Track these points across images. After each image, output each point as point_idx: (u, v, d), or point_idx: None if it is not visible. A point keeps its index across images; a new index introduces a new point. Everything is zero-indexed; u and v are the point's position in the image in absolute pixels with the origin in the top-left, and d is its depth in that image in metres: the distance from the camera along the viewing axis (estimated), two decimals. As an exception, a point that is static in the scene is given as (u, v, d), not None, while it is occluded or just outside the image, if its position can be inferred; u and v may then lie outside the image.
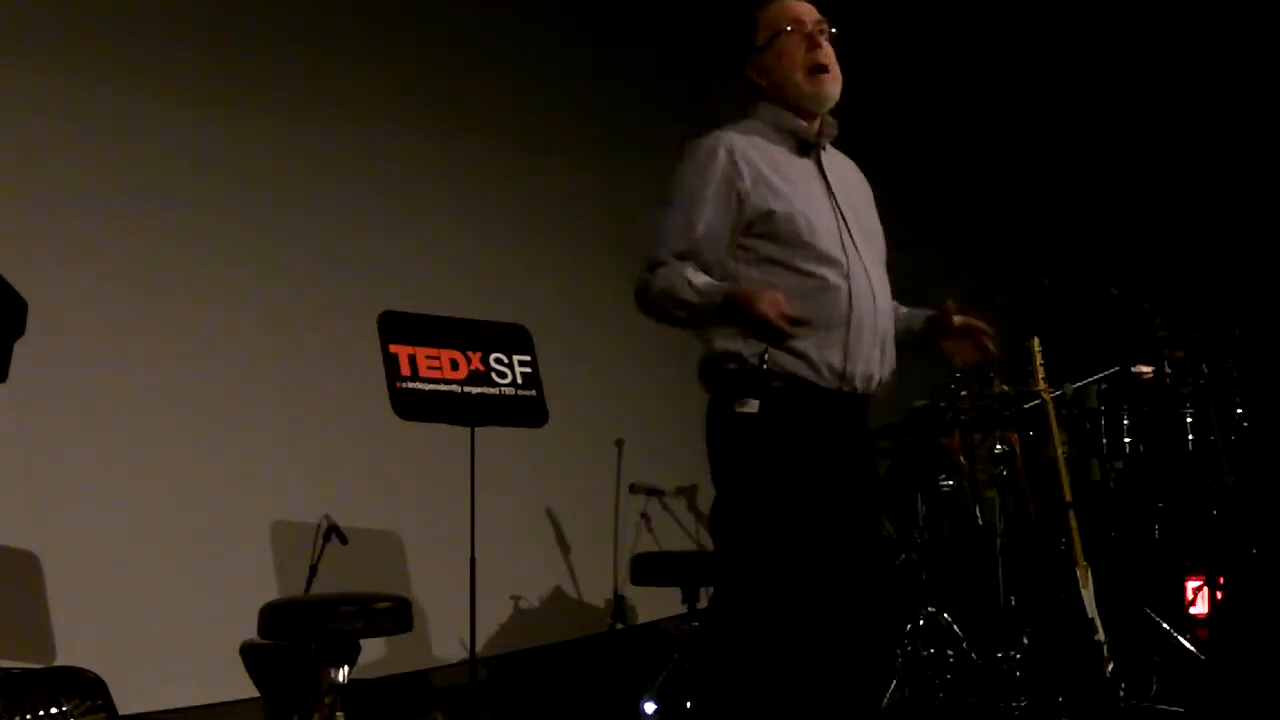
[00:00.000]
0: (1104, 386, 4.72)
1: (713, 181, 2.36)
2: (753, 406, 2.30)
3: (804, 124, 2.46)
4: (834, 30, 2.47)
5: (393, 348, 3.70)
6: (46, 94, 4.02)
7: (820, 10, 2.50)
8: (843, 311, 2.34)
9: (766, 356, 2.29)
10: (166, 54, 4.32)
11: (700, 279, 2.32)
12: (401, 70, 5.04)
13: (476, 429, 3.76)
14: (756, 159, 2.39)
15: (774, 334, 2.22)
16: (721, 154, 2.37)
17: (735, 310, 2.24)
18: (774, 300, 2.21)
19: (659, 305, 2.35)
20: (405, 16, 5.10)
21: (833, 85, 2.44)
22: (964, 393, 4.23)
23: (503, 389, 3.89)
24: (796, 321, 2.21)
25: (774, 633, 2.27)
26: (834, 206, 2.43)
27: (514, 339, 4.01)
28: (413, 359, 3.72)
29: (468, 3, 5.38)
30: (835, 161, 2.54)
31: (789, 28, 2.44)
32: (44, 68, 4.02)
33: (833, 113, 2.49)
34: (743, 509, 2.33)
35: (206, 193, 4.38)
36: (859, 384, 2.37)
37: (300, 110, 4.68)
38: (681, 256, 2.35)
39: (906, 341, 2.56)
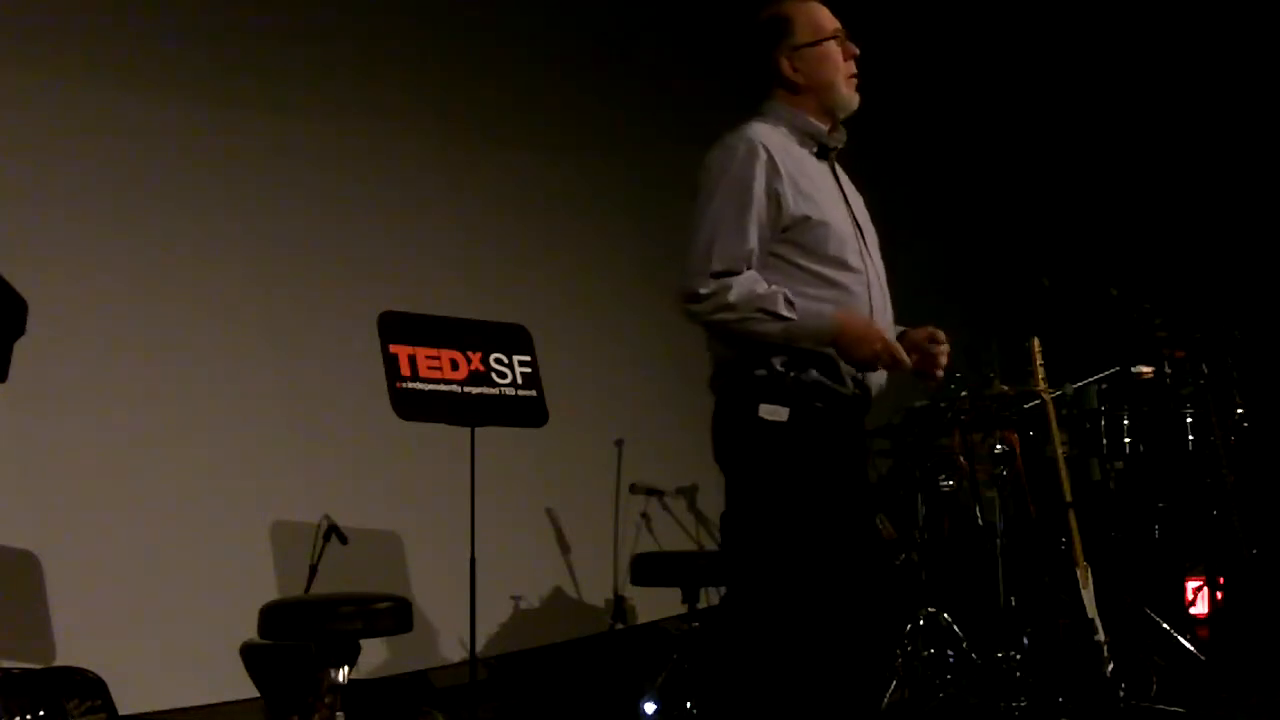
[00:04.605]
0: (1104, 386, 4.71)
1: (758, 182, 2.31)
2: (782, 414, 2.29)
3: (824, 128, 2.46)
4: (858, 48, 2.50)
5: (393, 348, 3.69)
6: (46, 94, 4.02)
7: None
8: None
9: (793, 364, 2.29)
10: (166, 54, 4.32)
11: (793, 298, 2.29)
12: (402, 70, 5.04)
13: (476, 429, 3.76)
14: (787, 161, 2.36)
15: (871, 366, 2.31)
16: (762, 153, 2.33)
17: (844, 342, 2.28)
18: (886, 343, 2.28)
19: (738, 315, 2.26)
20: (406, 17, 5.10)
21: (857, 95, 2.48)
22: (964, 393, 4.23)
23: (503, 389, 3.88)
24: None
25: (797, 637, 2.26)
26: (850, 213, 2.45)
27: (514, 339, 4.01)
28: (413, 359, 3.72)
29: (468, 2, 5.38)
30: (840, 169, 2.56)
31: (833, 32, 2.46)
32: (44, 68, 4.02)
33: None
34: (771, 515, 2.31)
35: (206, 193, 4.38)
36: (873, 390, 2.39)
37: (300, 110, 4.68)
38: (747, 264, 2.30)
39: None
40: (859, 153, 2.67)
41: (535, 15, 5.55)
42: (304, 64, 4.71)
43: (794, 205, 2.32)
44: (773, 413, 2.29)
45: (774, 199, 2.31)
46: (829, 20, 2.48)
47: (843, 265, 2.35)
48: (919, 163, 6.79)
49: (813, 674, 2.26)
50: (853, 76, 2.46)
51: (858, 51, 2.46)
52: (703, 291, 2.27)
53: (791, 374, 2.29)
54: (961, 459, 4.33)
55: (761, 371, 2.32)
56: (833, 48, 2.45)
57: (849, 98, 2.46)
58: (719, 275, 2.27)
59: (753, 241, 2.30)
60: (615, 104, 5.76)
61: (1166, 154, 6.88)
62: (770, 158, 2.32)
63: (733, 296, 2.25)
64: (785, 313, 2.25)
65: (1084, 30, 7.01)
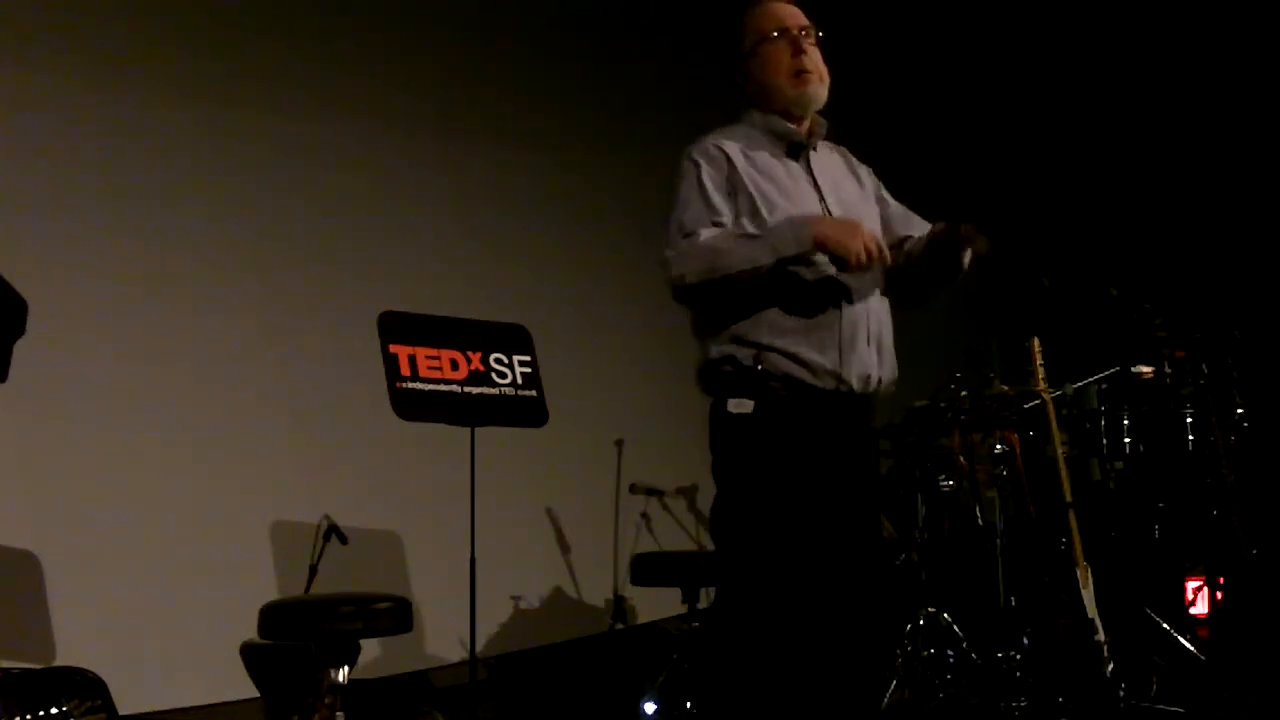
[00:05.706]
0: (1104, 386, 4.72)
1: (716, 175, 2.38)
2: (747, 407, 2.31)
3: (792, 127, 2.47)
4: (820, 34, 2.48)
5: (393, 348, 3.69)
6: (46, 94, 4.02)
7: (816, 10, 2.51)
8: (835, 314, 2.35)
9: (760, 359, 2.31)
10: (166, 54, 4.32)
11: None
12: (402, 70, 5.04)
13: (476, 429, 3.76)
14: (747, 162, 2.41)
15: (859, 257, 2.25)
16: (714, 151, 2.40)
17: (828, 231, 2.27)
18: (871, 237, 2.26)
19: (713, 254, 2.29)
20: (406, 16, 5.10)
21: (818, 88, 2.46)
22: (964, 393, 4.23)
23: (503, 389, 3.88)
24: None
25: (773, 632, 2.27)
26: (824, 210, 2.44)
27: (514, 339, 4.01)
28: (413, 359, 3.72)
29: (468, 2, 5.38)
30: (826, 160, 2.55)
31: (773, 33, 2.45)
32: (44, 68, 4.02)
33: (829, 112, 2.50)
34: (738, 508, 2.34)
35: (206, 193, 4.38)
36: (855, 384, 2.38)
37: (300, 110, 4.68)
38: (714, 224, 2.35)
39: (916, 268, 2.54)
40: (858, 152, 2.67)
41: (535, 15, 5.55)
42: (304, 64, 4.71)
43: (752, 197, 2.37)
44: (739, 405, 2.32)
45: (730, 189, 2.37)
46: (770, 21, 2.47)
47: (809, 261, 2.35)
48: (918, 162, 6.77)
49: (789, 669, 2.26)
50: (800, 72, 2.43)
51: (805, 47, 2.43)
52: (673, 253, 2.33)
53: (759, 367, 2.30)
54: (961, 459, 4.33)
55: (728, 367, 2.35)
56: (769, 49, 2.45)
57: (798, 95, 2.44)
58: (688, 236, 2.33)
59: (721, 210, 2.35)
60: (615, 104, 5.76)
61: (1166, 154, 6.88)
62: (725, 155, 2.39)
63: (703, 238, 2.31)
64: (756, 231, 2.31)
65: (1084, 30, 7.01)
